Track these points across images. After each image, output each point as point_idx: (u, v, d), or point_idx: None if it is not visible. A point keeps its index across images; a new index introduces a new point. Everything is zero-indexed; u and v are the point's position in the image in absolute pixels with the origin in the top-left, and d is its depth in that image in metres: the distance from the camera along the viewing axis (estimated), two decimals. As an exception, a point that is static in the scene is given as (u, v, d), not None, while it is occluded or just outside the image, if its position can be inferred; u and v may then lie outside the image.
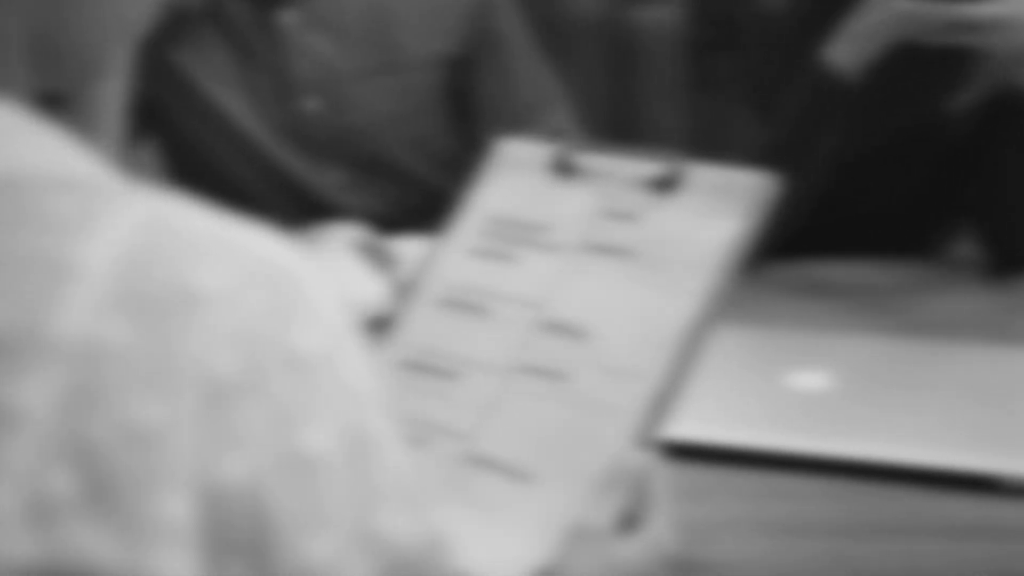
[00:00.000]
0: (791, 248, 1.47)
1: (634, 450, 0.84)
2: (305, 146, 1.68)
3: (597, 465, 0.83)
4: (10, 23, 0.56)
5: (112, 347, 0.47)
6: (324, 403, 0.51)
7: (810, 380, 1.19)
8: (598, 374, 0.88)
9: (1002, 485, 1.05)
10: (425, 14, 1.69)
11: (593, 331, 0.90)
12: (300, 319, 0.51)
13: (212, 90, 1.66)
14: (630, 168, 0.95)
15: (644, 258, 0.91)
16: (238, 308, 0.50)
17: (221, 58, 1.66)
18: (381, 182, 1.71)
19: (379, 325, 0.97)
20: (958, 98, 1.55)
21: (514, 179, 0.99)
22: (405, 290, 1.00)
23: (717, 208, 0.90)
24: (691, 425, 1.00)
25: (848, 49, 1.47)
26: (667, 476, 0.84)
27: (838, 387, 1.18)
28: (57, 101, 0.59)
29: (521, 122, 1.69)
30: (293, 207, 1.66)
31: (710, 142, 1.71)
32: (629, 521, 0.81)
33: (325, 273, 1.28)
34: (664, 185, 0.93)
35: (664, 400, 0.85)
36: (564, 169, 0.97)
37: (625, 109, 2.14)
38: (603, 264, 0.92)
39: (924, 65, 1.51)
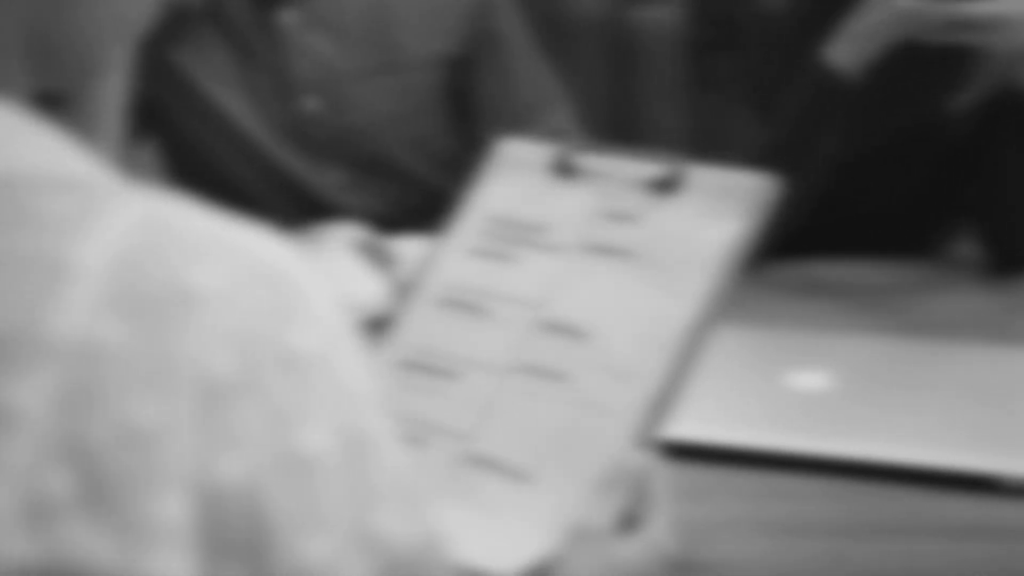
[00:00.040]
0: (791, 248, 1.47)
1: (634, 450, 0.84)
2: (305, 146, 1.68)
3: (596, 465, 0.83)
4: (8, 23, 0.56)
5: (109, 347, 0.47)
6: (321, 403, 0.51)
7: (810, 380, 1.19)
8: (598, 375, 0.88)
9: (1002, 485, 1.05)
10: (425, 14, 1.69)
11: (593, 331, 0.90)
12: (297, 319, 0.51)
13: (212, 90, 1.66)
14: (630, 169, 0.95)
15: (644, 259, 0.91)
16: (235, 308, 0.50)
17: (221, 58, 1.66)
18: (381, 182, 1.71)
19: (379, 325, 0.97)
20: (958, 98, 1.55)
21: (514, 179, 0.99)
22: (405, 290, 1.00)
23: (717, 209, 0.90)
24: (691, 425, 1.00)
25: (848, 49, 1.47)
26: (667, 476, 0.84)
27: (838, 387, 1.18)
28: (56, 101, 0.59)
29: (521, 122, 1.69)
30: (293, 207, 1.66)
31: (710, 142, 1.71)
32: (629, 521, 0.81)
33: (324, 273, 1.28)
34: (664, 186, 0.93)
35: (664, 401, 0.85)
36: (564, 169, 0.97)
37: (625, 109, 2.14)
38: (603, 265, 0.92)
39: (924, 65, 1.51)
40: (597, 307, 0.90)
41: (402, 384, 0.93)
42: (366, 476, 0.52)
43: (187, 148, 1.71)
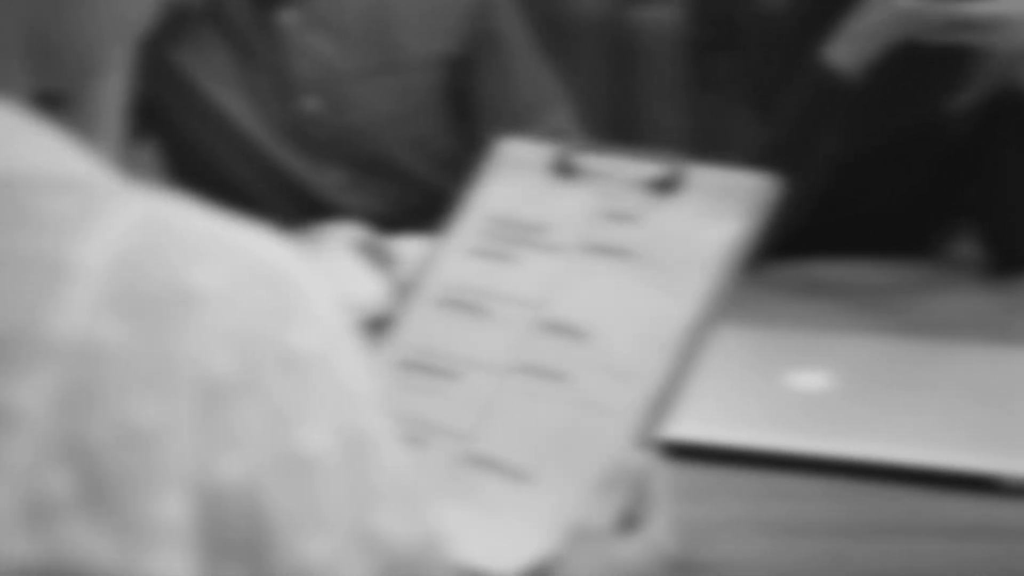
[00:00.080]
0: (791, 248, 1.47)
1: (634, 450, 0.84)
2: (305, 146, 1.68)
3: (596, 465, 0.83)
4: (8, 23, 0.56)
5: (109, 347, 0.47)
6: (321, 403, 0.51)
7: (810, 380, 1.19)
8: (597, 375, 0.88)
9: (1002, 485, 1.05)
10: (425, 14, 1.69)
11: (593, 331, 0.90)
12: (297, 319, 0.51)
13: (212, 90, 1.66)
14: (630, 169, 0.95)
15: (644, 259, 0.91)
16: (235, 308, 0.50)
17: (221, 58, 1.66)
18: (381, 182, 1.71)
19: (379, 325, 0.97)
20: (958, 98, 1.54)
21: (514, 179, 0.99)
22: (405, 290, 1.00)
23: (718, 209, 0.90)
24: (691, 425, 1.00)
25: (848, 49, 1.47)
26: (667, 476, 0.84)
27: (838, 387, 1.18)
28: (56, 101, 0.59)
29: (521, 122, 1.69)
30: (293, 207, 1.66)
31: (710, 142, 1.71)
32: (629, 521, 0.81)
33: (324, 273, 1.27)
34: (664, 186, 0.93)
35: (664, 401, 0.85)
36: (564, 169, 0.97)
37: (625, 109, 2.13)
38: (603, 265, 0.92)
39: (924, 65, 1.51)
40: (597, 307, 0.90)
41: (402, 384, 0.93)
42: (366, 476, 0.52)
43: (187, 148, 1.71)
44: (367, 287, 1.35)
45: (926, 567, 0.98)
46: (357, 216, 1.56)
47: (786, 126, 1.54)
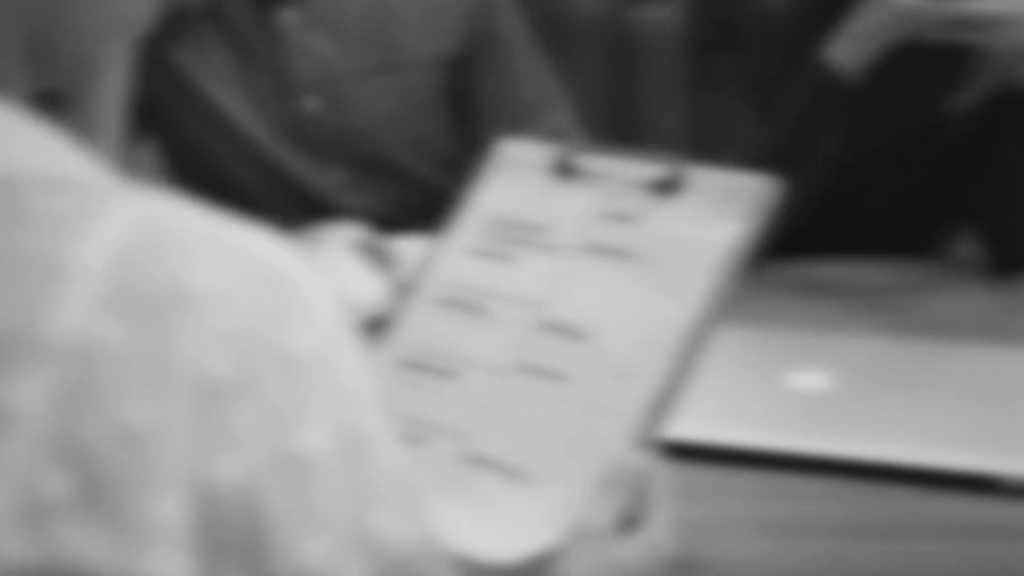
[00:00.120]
0: (791, 248, 1.47)
1: (634, 451, 0.84)
2: (305, 146, 1.68)
3: (596, 466, 0.83)
4: (7, 23, 0.56)
5: (106, 347, 0.47)
6: (319, 403, 0.51)
7: (810, 380, 1.19)
8: (597, 375, 0.88)
9: (1002, 485, 1.05)
10: (425, 14, 1.69)
11: (593, 332, 0.89)
12: (295, 319, 0.51)
13: (212, 90, 1.66)
14: (631, 170, 0.95)
15: (644, 260, 0.91)
16: (233, 308, 0.50)
17: (221, 58, 1.66)
18: (381, 182, 1.71)
19: (378, 325, 0.97)
20: (959, 97, 1.54)
21: (514, 179, 0.99)
22: (404, 290, 1.00)
23: (718, 211, 0.90)
24: (691, 425, 1.00)
25: (848, 48, 1.47)
26: (667, 476, 0.84)
27: (838, 387, 1.18)
28: (55, 100, 0.59)
29: (521, 122, 1.69)
30: (293, 207, 1.66)
31: (710, 142, 1.71)
32: (629, 522, 0.81)
33: (324, 273, 1.27)
34: (665, 187, 0.93)
35: (664, 402, 0.85)
36: (565, 170, 0.97)
37: (625, 109, 2.14)
38: (603, 265, 0.92)
39: (925, 64, 1.51)
40: (597, 308, 0.90)
41: (402, 383, 0.93)
42: (364, 476, 0.52)
43: (187, 148, 1.71)
44: (367, 287, 1.35)
45: (926, 567, 0.98)
46: (357, 216, 1.56)
47: (786, 126, 1.54)
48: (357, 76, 1.67)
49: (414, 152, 1.72)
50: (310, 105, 1.66)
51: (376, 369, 0.93)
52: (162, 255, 0.49)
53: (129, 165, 0.63)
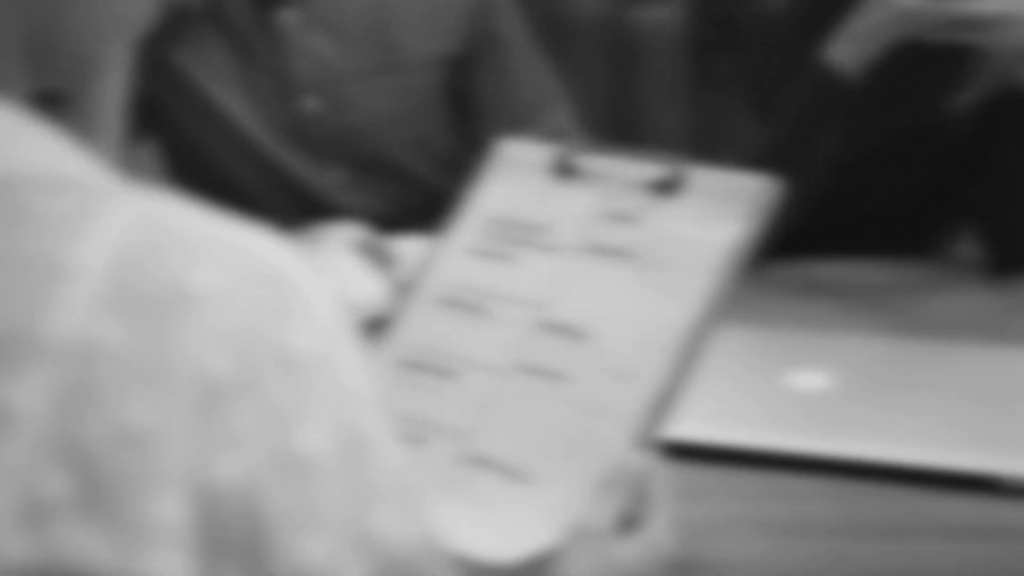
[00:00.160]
0: (791, 248, 1.47)
1: (634, 451, 0.84)
2: (305, 146, 1.68)
3: (596, 466, 0.83)
4: (7, 23, 0.56)
5: (106, 347, 0.47)
6: (319, 403, 0.51)
7: (810, 380, 1.19)
8: (597, 375, 0.88)
9: (1002, 485, 1.05)
10: (425, 14, 1.69)
11: (593, 332, 0.89)
12: (295, 319, 0.51)
13: (212, 90, 1.66)
14: (631, 170, 0.95)
15: (644, 260, 0.91)
16: (233, 308, 0.50)
17: (221, 58, 1.66)
18: (381, 182, 1.71)
19: (378, 325, 0.97)
20: (959, 97, 1.54)
21: (514, 179, 0.99)
22: (404, 289, 1.00)
23: (719, 211, 0.90)
24: (691, 425, 1.00)
25: (849, 48, 1.47)
26: (667, 476, 0.84)
27: (838, 387, 1.18)
28: (55, 100, 0.59)
29: (521, 122, 1.69)
30: (293, 207, 1.66)
31: (710, 142, 1.71)
32: (629, 522, 0.81)
33: (324, 273, 1.27)
34: (665, 187, 0.93)
35: (664, 402, 0.85)
36: (565, 170, 0.97)
37: (625, 109, 2.14)
38: (603, 265, 0.92)
39: (925, 64, 1.51)
40: (597, 308, 0.90)
41: (402, 383, 0.93)
42: (364, 476, 0.52)
43: (187, 148, 1.71)
44: (367, 287, 1.35)
45: (926, 567, 0.98)
46: (357, 216, 1.56)
47: (786, 126, 1.54)
48: (357, 76, 1.67)
49: (414, 152, 1.72)
50: (310, 105, 1.66)
51: (376, 369, 0.93)
52: (162, 255, 0.49)
53: (129, 165, 0.63)
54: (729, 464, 1.09)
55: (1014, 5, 1.42)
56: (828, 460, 1.08)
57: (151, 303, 0.48)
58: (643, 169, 0.94)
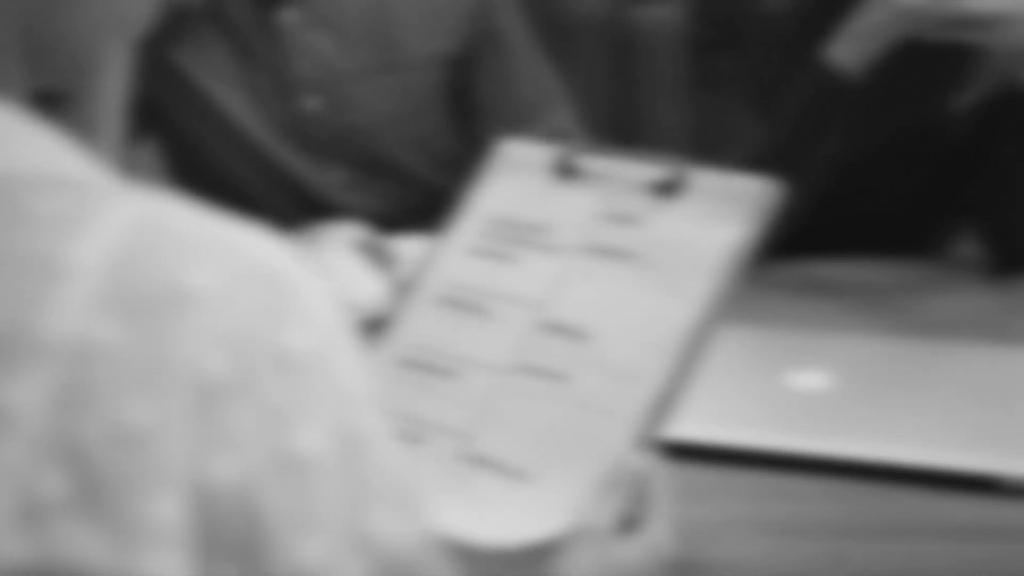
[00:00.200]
0: (791, 248, 1.47)
1: (634, 451, 0.84)
2: (305, 145, 1.68)
3: (596, 466, 0.83)
4: (6, 22, 0.56)
5: (104, 347, 0.47)
6: (317, 403, 0.51)
7: (810, 380, 1.19)
8: (598, 376, 0.88)
9: (1002, 485, 1.05)
10: (425, 14, 1.69)
11: (593, 333, 0.89)
12: (293, 319, 0.51)
13: (212, 89, 1.66)
14: (633, 171, 0.95)
15: (645, 261, 0.91)
16: (230, 308, 0.50)
17: (221, 57, 1.66)
18: (381, 182, 1.71)
19: (378, 325, 0.97)
20: (960, 97, 1.54)
21: (515, 180, 0.99)
22: (404, 289, 1.00)
23: (720, 213, 0.90)
24: (691, 425, 1.00)
25: (849, 48, 1.47)
26: (667, 476, 0.84)
27: (838, 387, 1.18)
28: (55, 100, 0.59)
29: (522, 122, 1.69)
30: (293, 207, 1.66)
31: (711, 142, 1.71)
32: (629, 522, 0.81)
33: (324, 273, 1.27)
34: (667, 189, 0.93)
35: (664, 403, 0.85)
36: (566, 170, 0.97)
37: (626, 109, 2.13)
38: (604, 266, 0.92)
39: (926, 64, 1.51)
40: (598, 308, 0.90)
41: (402, 383, 0.93)
42: (362, 476, 0.52)
43: (187, 148, 1.71)
44: (367, 287, 1.35)
45: (926, 567, 0.98)
46: (357, 216, 1.56)
47: (787, 126, 1.54)
48: (357, 76, 1.67)
49: (414, 152, 1.72)
50: (310, 105, 1.66)
51: (376, 369, 0.93)
52: (160, 255, 0.49)
53: (129, 165, 0.63)
54: (729, 464, 1.09)
55: (1014, 4, 1.41)
56: (828, 460, 1.08)
57: (149, 303, 0.48)
58: (644, 170, 0.94)
